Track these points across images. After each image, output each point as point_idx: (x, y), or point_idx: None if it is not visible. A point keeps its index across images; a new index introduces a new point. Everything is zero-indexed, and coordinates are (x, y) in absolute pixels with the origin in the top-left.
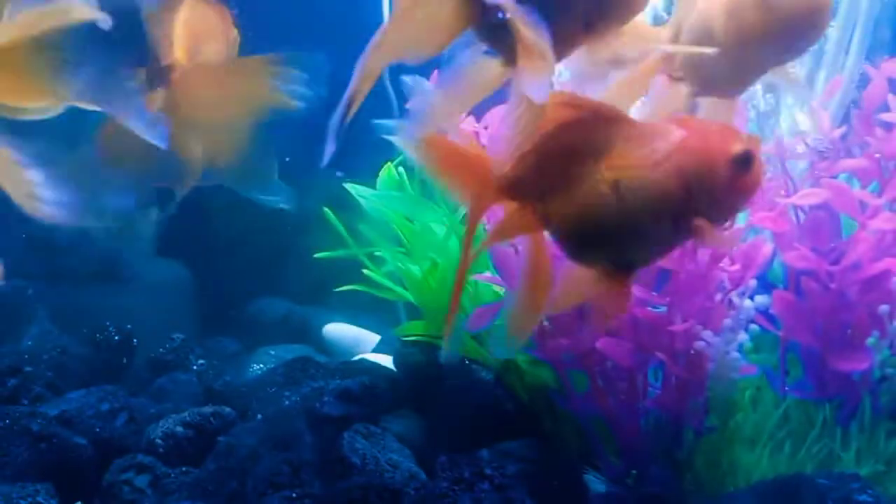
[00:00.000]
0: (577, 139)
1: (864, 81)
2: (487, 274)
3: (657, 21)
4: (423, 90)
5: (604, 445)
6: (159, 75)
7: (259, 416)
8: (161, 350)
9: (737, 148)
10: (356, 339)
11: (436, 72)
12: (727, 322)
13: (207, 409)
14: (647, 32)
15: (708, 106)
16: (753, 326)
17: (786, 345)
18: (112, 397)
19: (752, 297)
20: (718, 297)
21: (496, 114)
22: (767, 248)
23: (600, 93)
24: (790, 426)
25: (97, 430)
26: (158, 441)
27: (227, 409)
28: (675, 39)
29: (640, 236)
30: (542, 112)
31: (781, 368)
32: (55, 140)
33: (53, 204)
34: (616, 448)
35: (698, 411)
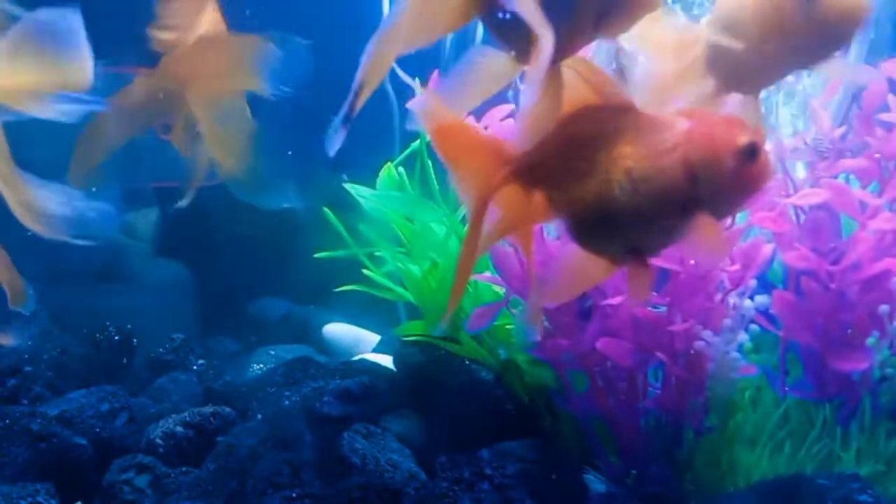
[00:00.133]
0: (589, 127)
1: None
2: (487, 274)
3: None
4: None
5: (604, 445)
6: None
7: (259, 416)
8: (161, 350)
9: (743, 139)
10: (356, 339)
11: (436, 72)
12: (727, 322)
13: (207, 409)
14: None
15: (731, 101)
16: (753, 326)
17: (786, 345)
18: (112, 397)
19: (752, 297)
20: (718, 297)
21: (496, 113)
22: (767, 248)
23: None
24: (790, 426)
25: (97, 430)
26: (158, 441)
27: (227, 409)
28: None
29: (648, 225)
30: (557, 107)
31: (781, 368)
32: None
33: (50, 217)
34: (616, 448)
35: (698, 411)
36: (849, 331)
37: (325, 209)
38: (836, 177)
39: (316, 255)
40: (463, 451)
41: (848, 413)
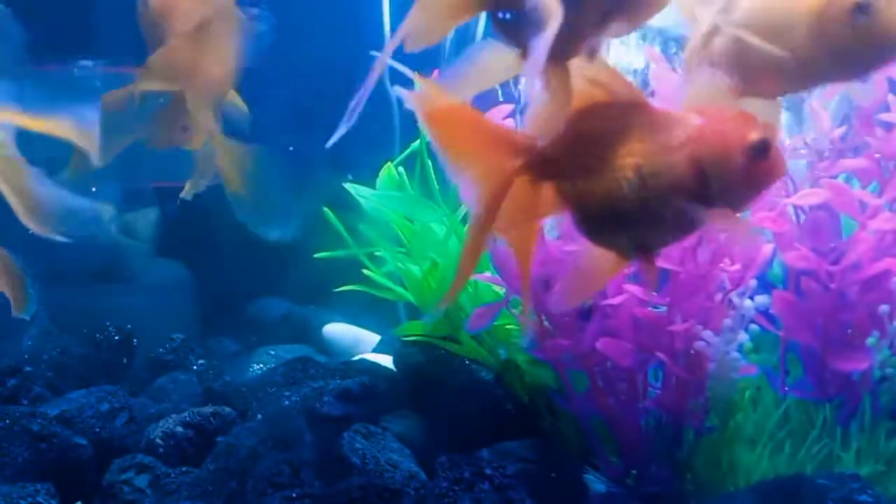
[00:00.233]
0: (600, 123)
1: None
2: (487, 274)
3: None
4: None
5: (604, 445)
6: None
7: (259, 416)
8: (161, 350)
9: (754, 136)
10: (356, 339)
11: (436, 72)
12: (727, 322)
13: (207, 409)
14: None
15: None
16: (753, 326)
17: (786, 345)
18: (112, 397)
19: (752, 297)
20: (718, 297)
21: (496, 113)
22: (767, 248)
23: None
24: (790, 426)
25: (97, 430)
26: (158, 441)
27: (227, 409)
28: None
29: (657, 221)
30: (566, 103)
31: (781, 368)
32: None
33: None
34: (616, 448)
35: (698, 411)
36: (849, 331)
37: (326, 209)
38: (835, 177)
39: (316, 255)
40: (463, 451)
41: (848, 413)
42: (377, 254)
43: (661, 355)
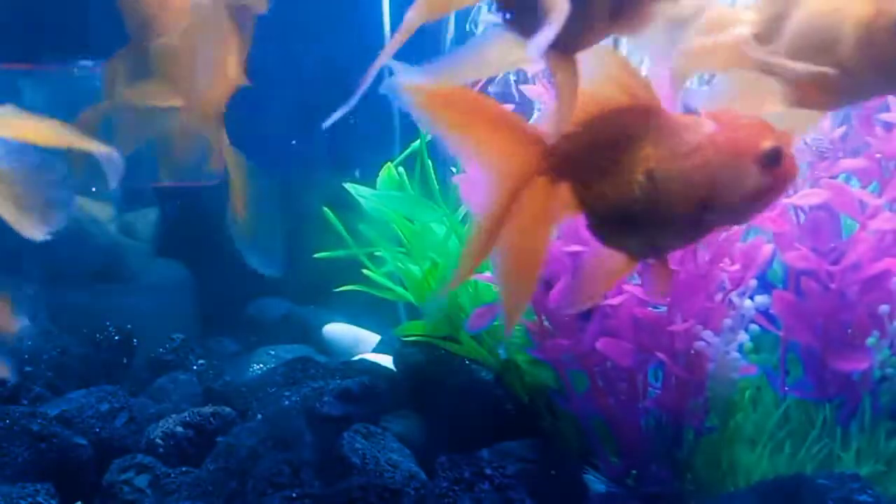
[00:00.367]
0: (618, 125)
1: None
2: (487, 274)
3: None
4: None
5: (604, 445)
6: None
7: (259, 416)
8: (161, 350)
9: (766, 144)
10: (356, 339)
11: None
12: (727, 322)
13: (207, 409)
14: (725, 15)
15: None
16: (753, 326)
17: (786, 345)
18: (112, 397)
19: (752, 297)
20: (718, 297)
21: None
22: (767, 248)
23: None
24: (790, 426)
25: (97, 430)
26: (158, 441)
27: (227, 409)
28: (770, 28)
29: (667, 225)
30: (575, 99)
31: (781, 368)
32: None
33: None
34: (616, 448)
35: (698, 411)
36: (849, 331)
37: (325, 209)
38: (835, 177)
39: (316, 255)
40: (463, 451)
41: (848, 413)
42: (377, 254)
43: (661, 355)
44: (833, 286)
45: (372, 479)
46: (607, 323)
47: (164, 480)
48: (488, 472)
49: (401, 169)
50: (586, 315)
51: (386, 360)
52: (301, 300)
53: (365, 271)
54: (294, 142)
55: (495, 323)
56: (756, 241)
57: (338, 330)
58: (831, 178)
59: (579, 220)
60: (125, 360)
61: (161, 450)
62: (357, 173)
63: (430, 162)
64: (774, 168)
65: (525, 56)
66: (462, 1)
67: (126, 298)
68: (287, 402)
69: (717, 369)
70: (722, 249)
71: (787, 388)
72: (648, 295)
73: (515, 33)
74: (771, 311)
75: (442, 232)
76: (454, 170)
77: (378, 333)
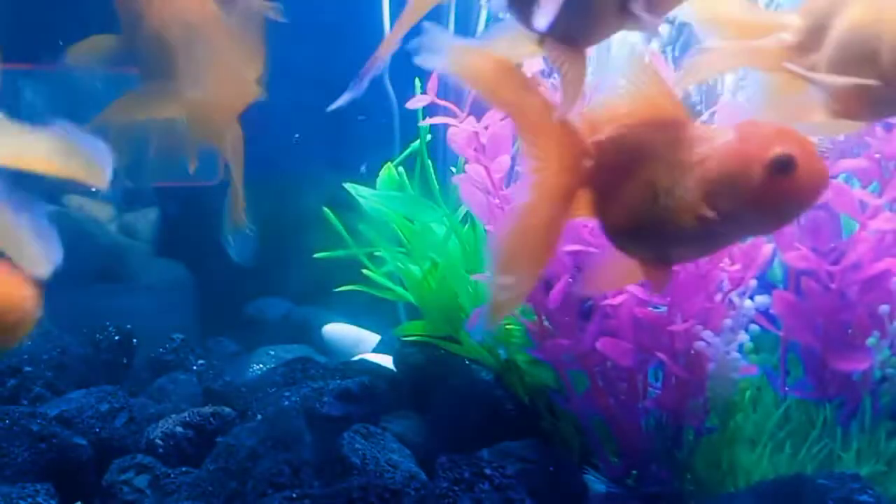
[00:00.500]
0: (640, 137)
1: None
2: (487, 274)
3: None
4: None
5: (604, 445)
6: None
7: (259, 417)
8: (161, 350)
9: (774, 152)
10: (356, 339)
11: (435, 73)
12: (727, 322)
13: (207, 410)
14: (763, 18)
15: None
16: (753, 326)
17: (786, 345)
18: (112, 397)
19: (752, 297)
20: (718, 297)
21: (496, 113)
22: (767, 248)
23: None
24: (790, 426)
25: (97, 430)
26: (158, 441)
27: (227, 410)
28: (812, 36)
29: (677, 236)
30: (580, 90)
31: (782, 368)
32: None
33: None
34: (616, 448)
35: (698, 411)
36: (849, 331)
37: (325, 209)
38: (836, 177)
39: (316, 255)
40: (463, 452)
41: (848, 413)
42: (377, 254)
43: (661, 355)
44: (833, 286)
45: (372, 479)
46: (607, 323)
47: (163, 481)
48: (488, 472)
49: (401, 169)
50: (586, 315)
51: (386, 361)
52: (301, 300)
53: (365, 271)
54: (293, 142)
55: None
56: (756, 241)
57: (338, 330)
58: (831, 178)
59: (580, 221)
60: (125, 361)
61: (161, 450)
62: (363, 168)
63: (430, 162)
64: (785, 177)
65: (533, 49)
66: None
67: (126, 298)
68: (287, 403)
69: (717, 369)
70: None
71: (787, 389)
72: (649, 294)
73: (525, 23)
74: (771, 311)
75: (442, 232)
76: (454, 170)
77: (378, 333)
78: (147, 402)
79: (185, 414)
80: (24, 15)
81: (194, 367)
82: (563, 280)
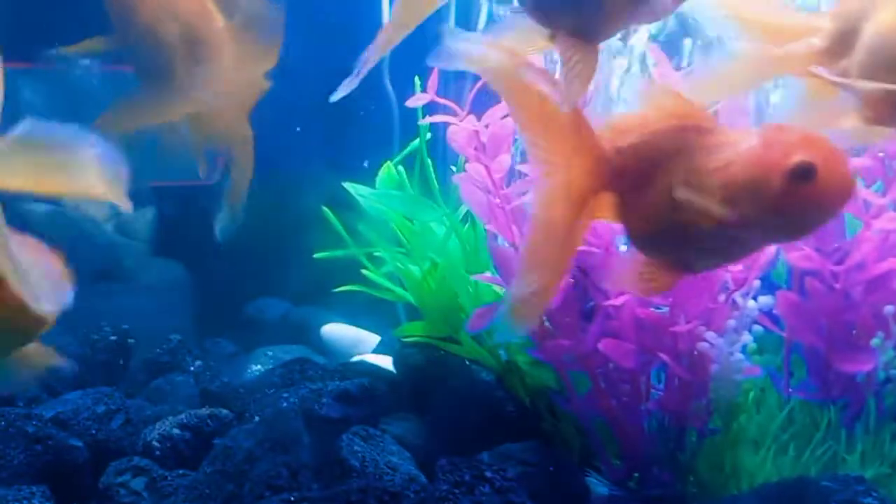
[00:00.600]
0: (661, 143)
1: None
2: (487, 274)
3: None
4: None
5: (606, 447)
6: None
7: (256, 418)
8: (158, 351)
9: (794, 159)
10: (355, 339)
11: (436, 70)
12: (731, 323)
13: (204, 411)
14: (792, 20)
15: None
16: (757, 327)
17: (790, 346)
18: (108, 399)
19: (755, 298)
20: (722, 297)
21: (497, 112)
22: (771, 248)
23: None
24: (794, 428)
25: (93, 431)
26: (155, 443)
27: (225, 411)
28: (843, 40)
29: (699, 242)
30: (586, 83)
31: (785, 370)
32: None
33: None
34: (618, 450)
35: (701, 413)
36: (853, 331)
37: (325, 209)
38: None
39: (315, 255)
40: (463, 454)
41: (852, 415)
42: (376, 254)
43: (663, 356)
44: (837, 286)
45: (371, 481)
46: (609, 324)
47: (160, 483)
48: (489, 474)
49: (400, 168)
50: (588, 315)
51: (385, 362)
52: (299, 300)
53: (364, 271)
54: (294, 136)
55: (496, 323)
56: None
57: (337, 330)
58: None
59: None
60: (121, 362)
61: (158, 452)
62: (366, 163)
63: (429, 161)
64: (806, 184)
65: (544, 44)
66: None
67: (123, 299)
68: (285, 404)
69: (720, 371)
70: None
71: (790, 390)
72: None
73: (537, 18)
74: (775, 312)
75: (442, 232)
76: (454, 169)
77: (377, 334)
78: (144, 403)
79: (183, 416)
80: (23, 14)
81: (191, 369)
82: (564, 280)
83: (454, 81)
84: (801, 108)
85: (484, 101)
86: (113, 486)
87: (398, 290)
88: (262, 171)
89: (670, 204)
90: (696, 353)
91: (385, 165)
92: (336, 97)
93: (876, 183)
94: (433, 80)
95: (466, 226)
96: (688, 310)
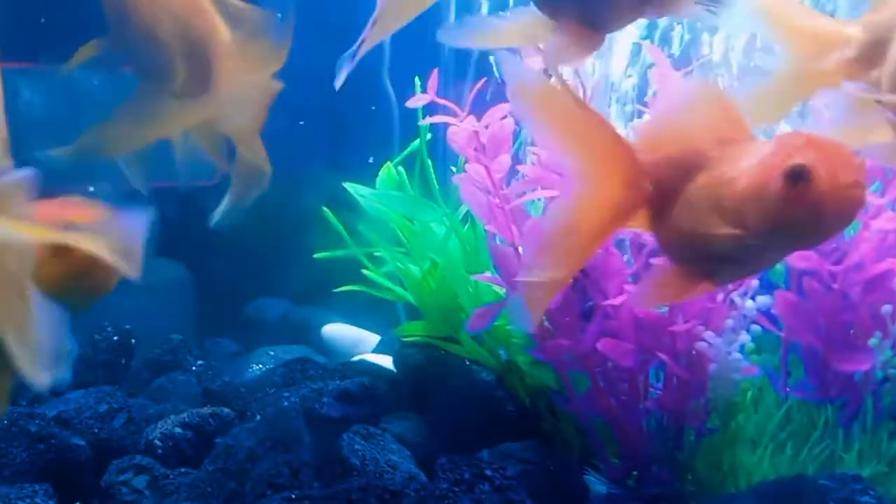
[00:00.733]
0: (700, 153)
1: None
2: (487, 274)
3: None
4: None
5: (605, 446)
6: None
7: (258, 417)
8: (159, 350)
9: (790, 162)
10: (356, 339)
11: (436, 71)
12: (729, 322)
13: (206, 410)
14: (826, 27)
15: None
16: (755, 327)
17: (788, 345)
18: (110, 398)
19: (753, 298)
20: (720, 297)
21: (497, 112)
22: None
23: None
24: (792, 427)
25: (95, 430)
26: (157, 442)
27: (226, 410)
28: (875, 50)
29: (719, 254)
30: (577, 61)
31: (783, 369)
32: None
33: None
34: (617, 449)
35: (700, 412)
36: (851, 331)
37: (325, 209)
38: None
39: (315, 255)
40: (463, 453)
41: (850, 414)
42: (377, 254)
43: (662, 356)
44: (835, 286)
45: (371, 480)
46: (608, 323)
47: (162, 481)
48: (489, 473)
49: (400, 168)
50: (587, 315)
51: (386, 361)
52: (300, 300)
53: (364, 271)
54: (293, 141)
55: (496, 323)
56: None
57: (337, 330)
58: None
59: None
60: (123, 361)
61: (160, 451)
62: (371, 159)
63: (429, 161)
64: (801, 188)
65: (545, 37)
66: None
67: (124, 298)
68: (286, 403)
69: (718, 370)
70: None
71: (788, 389)
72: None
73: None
74: (773, 312)
75: (442, 232)
76: (454, 169)
77: (378, 334)
78: (146, 402)
79: (184, 414)
80: (22, 14)
81: (193, 368)
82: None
83: (454, 82)
84: (838, 120)
85: (484, 102)
86: (115, 485)
87: (398, 289)
88: None
89: (697, 215)
90: (694, 352)
91: (385, 166)
92: (338, 82)
93: (875, 183)
94: (433, 81)
95: (466, 226)
96: (686, 309)
